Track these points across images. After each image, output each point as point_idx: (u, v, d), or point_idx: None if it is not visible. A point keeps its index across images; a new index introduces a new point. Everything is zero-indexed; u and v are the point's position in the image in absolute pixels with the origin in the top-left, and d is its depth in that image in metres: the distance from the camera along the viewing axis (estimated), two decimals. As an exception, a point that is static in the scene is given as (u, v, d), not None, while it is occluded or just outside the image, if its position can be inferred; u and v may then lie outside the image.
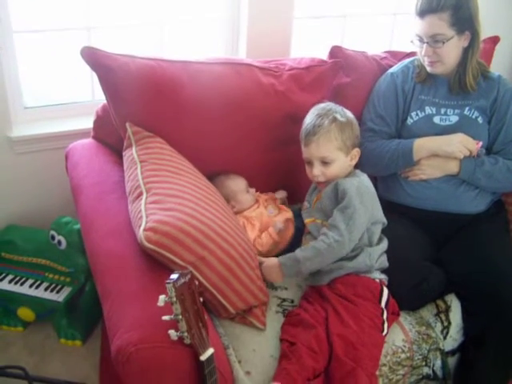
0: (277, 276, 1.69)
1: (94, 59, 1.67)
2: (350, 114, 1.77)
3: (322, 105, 1.80)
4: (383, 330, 1.59)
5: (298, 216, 1.89)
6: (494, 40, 2.43)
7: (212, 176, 1.89)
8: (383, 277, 1.70)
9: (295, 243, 1.84)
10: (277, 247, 1.85)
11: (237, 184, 1.92)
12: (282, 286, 1.77)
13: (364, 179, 1.74)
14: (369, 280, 1.65)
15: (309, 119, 1.76)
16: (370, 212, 1.67)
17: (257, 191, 1.99)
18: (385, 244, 1.73)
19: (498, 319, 1.72)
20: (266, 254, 1.79)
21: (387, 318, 1.62)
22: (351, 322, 1.53)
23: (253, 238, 1.81)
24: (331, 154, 1.71)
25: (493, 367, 1.76)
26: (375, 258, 1.67)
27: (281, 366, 1.44)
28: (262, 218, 1.88)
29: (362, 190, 1.67)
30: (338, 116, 1.72)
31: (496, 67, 2.22)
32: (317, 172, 1.73)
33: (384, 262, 1.72)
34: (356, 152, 1.75)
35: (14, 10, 2.06)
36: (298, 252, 1.66)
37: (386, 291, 1.66)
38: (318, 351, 1.46)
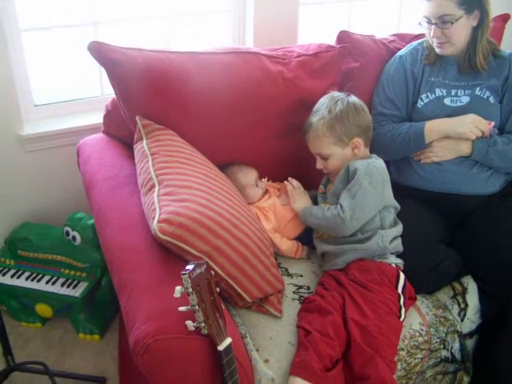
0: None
1: (102, 54, 1.67)
2: (344, 105, 1.73)
3: (323, 98, 1.81)
4: (400, 316, 1.59)
5: (314, 201, 1.89)
6: (504, 18, 2.39)
7: (224, 166, 1.89)
8: (399, 261, 1.68)
9: (309, 229, 1.85)
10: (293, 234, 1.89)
11: (246, 177, 1.91)
12: (297, 274, 1.77)
13: (375, 161, 1.73)
14: (385, 265, 1.64)
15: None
16: (380, 194, 1.66)
17: (269, 180, 1.98)
18: (399, 228, 1.72)
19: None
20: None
21: (404, 303, 1.61)
22: (368, 310, 1.53)
23: (268, 228, 1.80)
24: (325, 150, 1.76)
25: (512, 348, 1.75)
26: (388, 240, 1.66)
27: (299, 357, 1.43)
28: (276, 207, 1.88)
29: (371, 170, 1.66)
30: (326, 112, 1.73)
31: (507, 45, 2.19)
32: (319, 166, 1.81)
33: (398, 245, 1.71)
34: (357, 142, 1.73)
35: (20, 8, 2.06)
36: (315, 208, 1.79)
37: (402, 276, 1.65)
38: (334, 337, 1.45)
